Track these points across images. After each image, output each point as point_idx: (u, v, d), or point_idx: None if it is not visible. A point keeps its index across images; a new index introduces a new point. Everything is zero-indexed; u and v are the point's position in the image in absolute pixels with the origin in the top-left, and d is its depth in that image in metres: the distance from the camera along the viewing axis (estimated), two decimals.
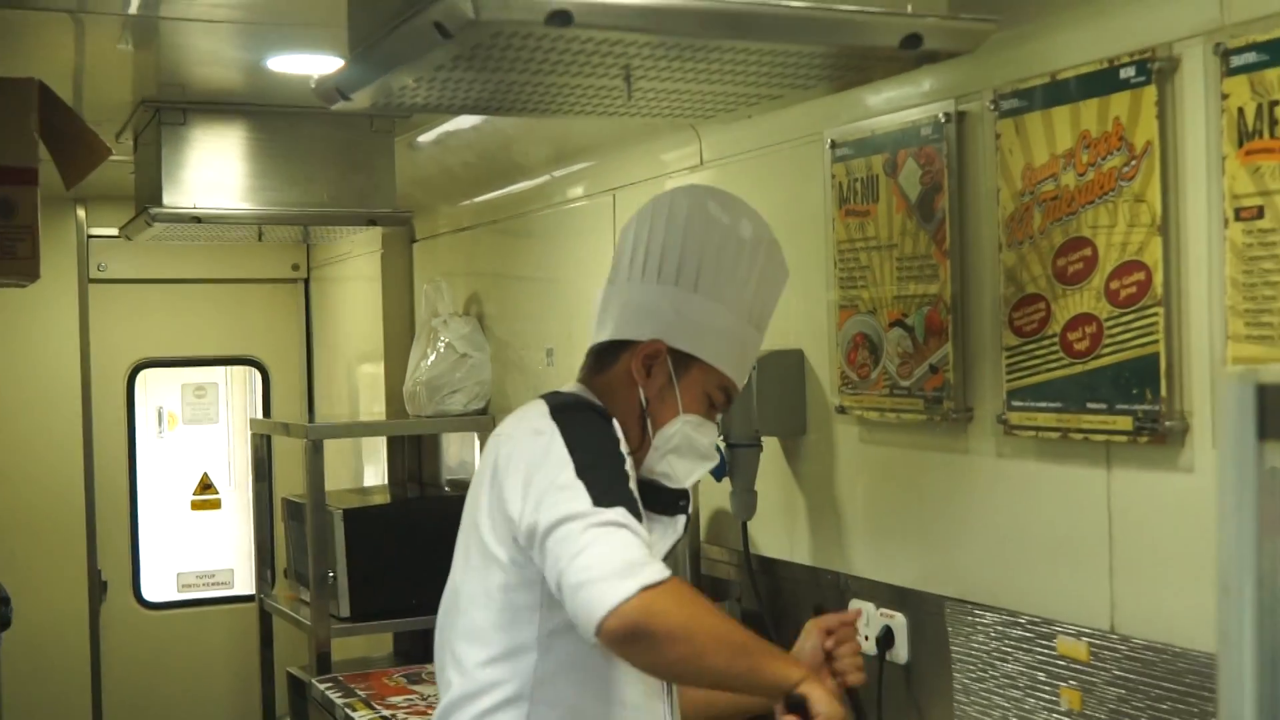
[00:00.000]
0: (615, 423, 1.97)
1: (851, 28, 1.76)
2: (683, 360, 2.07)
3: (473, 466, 4.75)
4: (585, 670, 1.93)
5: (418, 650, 4.87)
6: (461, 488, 4.82)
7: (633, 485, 1.85)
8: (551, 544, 1.76)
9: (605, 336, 2.13)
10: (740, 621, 1.87)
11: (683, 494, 2.15)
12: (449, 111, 2.47)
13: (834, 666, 2.13)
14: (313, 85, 2.13)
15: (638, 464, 2.08)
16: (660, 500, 2.11)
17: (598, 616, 1.69)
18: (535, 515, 1.81)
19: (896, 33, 1.77)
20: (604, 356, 2.13)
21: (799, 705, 1.83)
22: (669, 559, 2.01)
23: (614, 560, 1.71)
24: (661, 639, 1.70)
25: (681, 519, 2.14)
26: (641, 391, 2.07)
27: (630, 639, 1.70)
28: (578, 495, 1.78)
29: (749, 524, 3.10)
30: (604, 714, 1.96)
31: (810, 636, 2.15)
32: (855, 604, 2.74)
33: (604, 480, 1.81)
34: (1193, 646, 2.05)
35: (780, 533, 3.08)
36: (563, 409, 1.96)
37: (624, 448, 1.93)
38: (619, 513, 1.76)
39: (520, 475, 1.88)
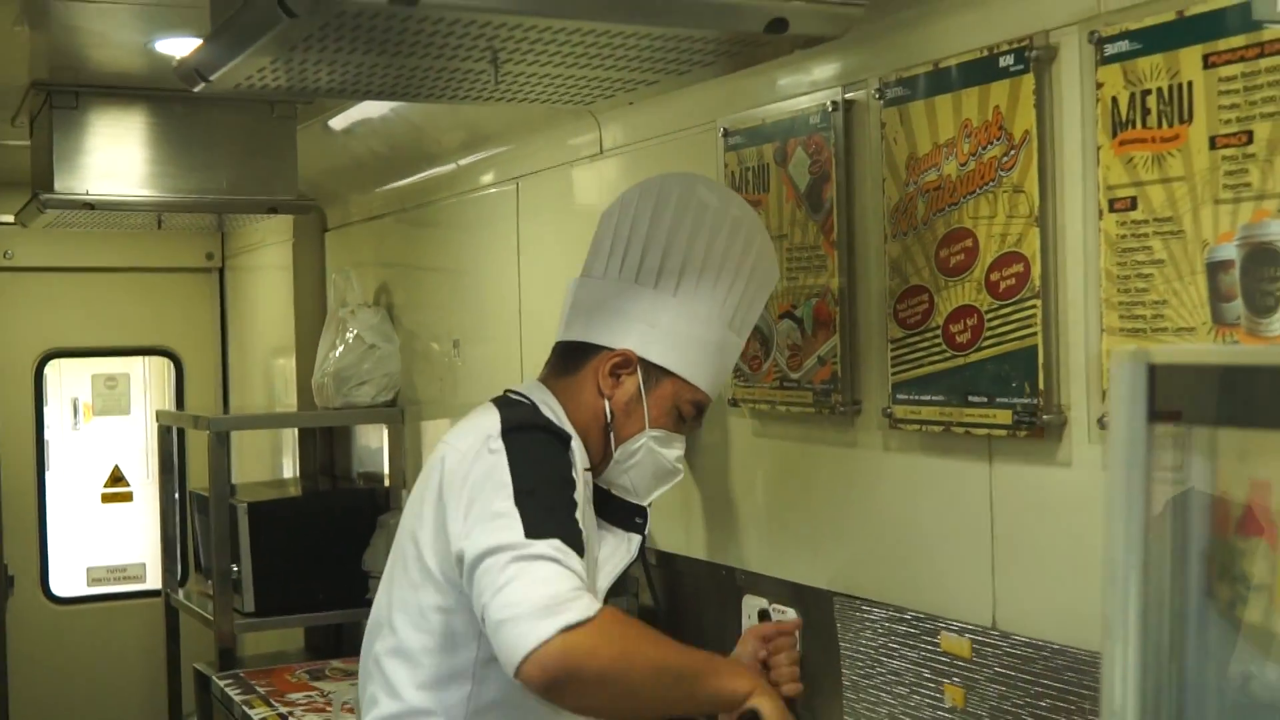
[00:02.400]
0: (573, 444, 1.84)
1: (714, 11, 1.71)
2: (654, 372, 1.97)
3: (383, 458, 4.68)
4: (523, 705, 1.81)
5: (329, 645, 4.81)
6: (373, 480, 4.79)
7: (579, 514, 1.74)
8: (478, 576, 1.67)
9: (574, 336, 2.01)
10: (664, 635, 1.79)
11: (640, 511, 2.06)
12: (307, 97, 2.41)
13: (770, 676, 2.07)
14: (174, 67, 2.06)
15: (597, 474, 1.99)
16: (617, 513, 2.03)
17: (517, 658, 1.60)
18: (464, 542, 1.72)
19: (762, 17, 1.73)
20: (570, 356, 2.01)
21: (751, 717, 1.79)
22: (623, 580, 1.89)
23: (535, 597, 1.60)
24: (588, 682, 1.60)
25: (636, 539, 2.04)
26: (607, 403, 1.96)
27: (552, 685, 1.60)
28: (510, 525, 1.68)
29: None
30: None
31: (747, 644, 2.10)
32: (779, 612, 2.69)
33: (541, 509, 1.70)
34: (1071, 644, 2.02)
35: (676, 527, 3.04)
36: (516, 429, 1.82)
37: (576, 471, 1.80)
38: (550, 545, 1.65)
39: (463, 497, 1.77)
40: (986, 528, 2.20)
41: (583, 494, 1.82)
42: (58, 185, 3.66)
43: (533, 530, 1.66)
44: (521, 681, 1.60)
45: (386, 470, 4.58)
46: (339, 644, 4.79)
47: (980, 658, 2.18)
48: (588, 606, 1.61)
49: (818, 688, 2.57)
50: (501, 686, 1.79)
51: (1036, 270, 2.04)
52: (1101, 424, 1.95)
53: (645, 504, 2.06)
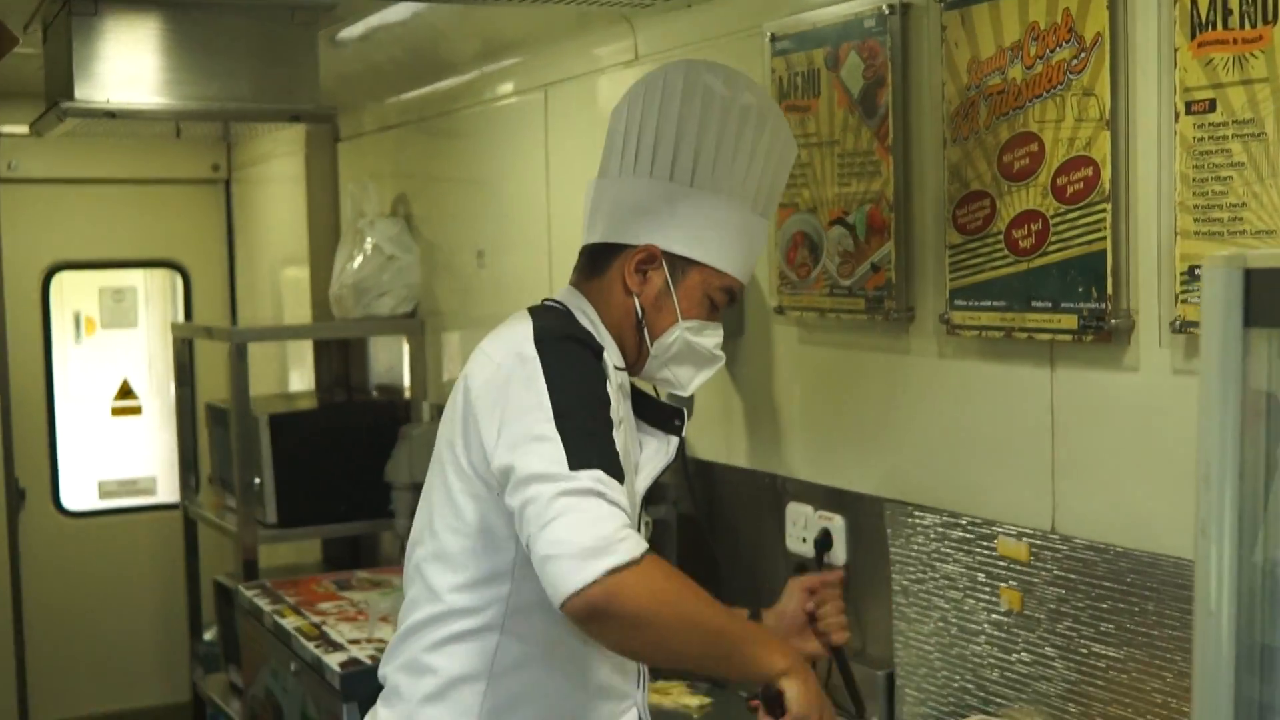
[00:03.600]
0: (605, 355, 1.84)
1: None
2: (680, 264, 1.94)
3: (401, 371, 4.67)
4: (552, 642, 1.85)
5: (346, 557, 4.83)
6: (390, 393, 4.78)
7: (616, 434, 1.74)
8: (524, 505, 1.67)
9: (596, 239, 1.99)
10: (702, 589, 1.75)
11: (678, 413, 2.05)
12: None
13: (817, 627, 2.06)
14: None
15: (636, 373, 1.99)
16: (657, 415, 2.02)
17: (562, 596, 1.62)
18: (509, 459, 1.72)
19: None
20: (596, 259, 1.99)
21: (774, 698, 1.76)
22: (662, 488, 1.87)
23: (583, 537, 1.62)
24: (626, 624, 1.63)
25: (674, 441, 2.03)
26: (636, 300, 1.94)
27: (593, 620, 1.63)
28: (553, 452, 1.68)
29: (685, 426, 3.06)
30: (578, 651, 1.87)
31: (792, 597, 2.06)
32: (825, 518, 2.70)
33: (582, 435, 1.69)
34: (1134, 546, 2.04)
35: (717, 437, 3.04)
36: (547, 338, 1.82)
37: (610, 386, 1.80)
38: (594, 477, 1.66)
39: (498, 408, 1.77)
40: (1047, 433, 2.21)
41: (618, 407, 1.81)
42: (78, 94, 3.59)
43: (576, 460, 1.67)
44: (566, 615, 1.64)
45: (407, 383, 4.56)
46: (356, 557, 4.81)
47: (1039, 561, 2.19)
48: (634, 547, 1.63)
49: (866, 592, 2.60)
50: (538, 588, 1.76)
51: (1106, 174, 2.03)
52: (1173, 327, 1.95)
53: (688, 394, 2.05)
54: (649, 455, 2.00)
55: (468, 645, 1.86)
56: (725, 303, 2.00)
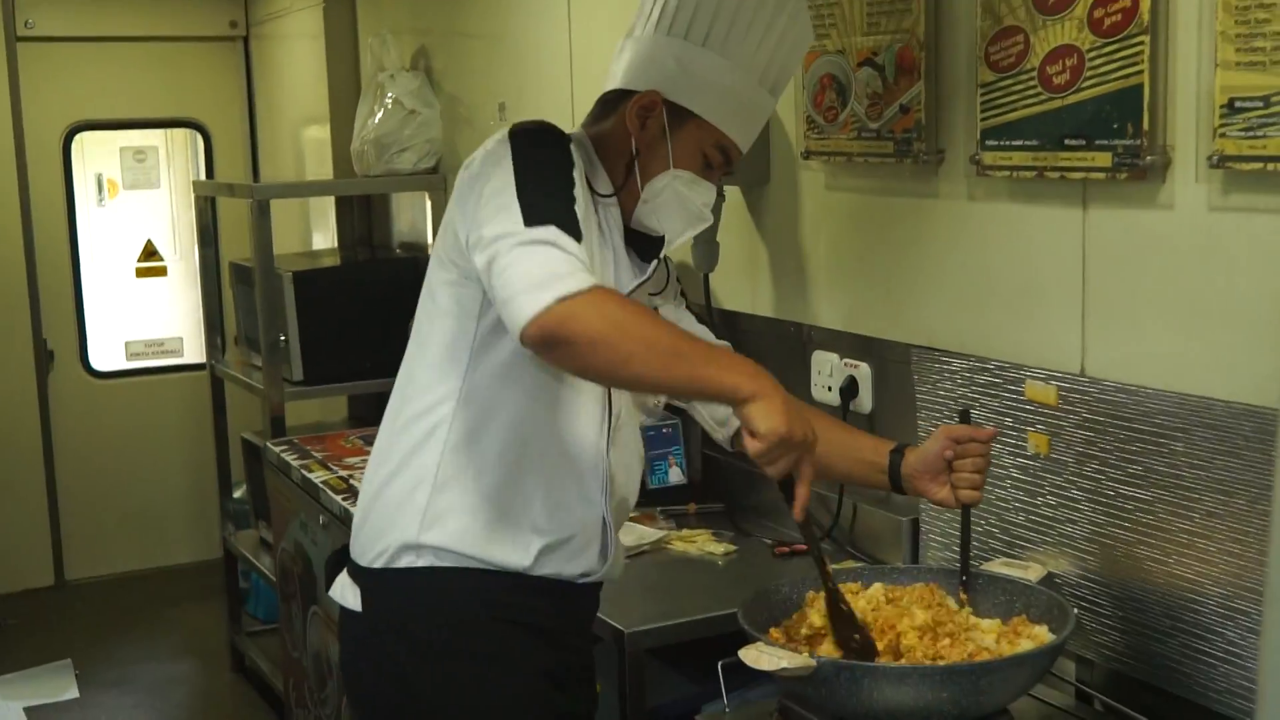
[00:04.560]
0: (573, 147, 1.91)
1: None
2: (680, 115, 1.99)
3: (424, 228, 4.65)
4: (515, 375, 1.93)
5: (373, 414, 4.83)
6: (413, 250, 4.76)
7: (578, 208, 1.81)
8: (486, 264, 1.77)
9: (611, 85, 2.06)
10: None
11: (659, 243, 2.07)
12: None
13: (952, 478, 2.07)
14: None
15: (628, 215, 2.04)
16: (643, 248, 2.07)
17: (519, 327, 1.71)
18: (476, 230, 1.82)
19: None
20: (606, 104, 2.07)
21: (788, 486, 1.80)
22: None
23: (534, 273, 1.71)
24: (581, 345, 1.70)
25: (651, 264, 2.07)
26: (634, 141, 2.00)
27: (550, 346, 1.71)
28: (511, 214, 1.77)
29: (710, 276, 3.04)
30: (534, 414, 1.95)
31: (937, 441, 2.07)
32: (828, 356, 2.68)
33: (541, 198, 1.79)
34: (1166, 387, 2.01)
35: (743, 285, 3.02)
36: (522, 131, 1.92)
37: (577, 172, 1.87)
38: (548, 230, 1.75)
39: (470, 191, 1.88)
40: (1078, 274, 2.17)
41: (587, 204, 1.88)
42: None
43: (532, 218, 1.76)
44: (526, 345, 1.72)
45: (429, 239, 4.54)
46: (381, 414, 4.82)
47: (1067, 404, 2.17)
48: (582, 280, 1.70)
49: (890, 436, 2.58)
50: (496, 360, 1.92)
51: (1145, 4, 1.96)
52: (1210, 163, 1.90)
53: (673, 246, 2.08)
54: (628, 280, 2.04)
55: (425, 420, 1.96)
56: (721, 164, 2.04)
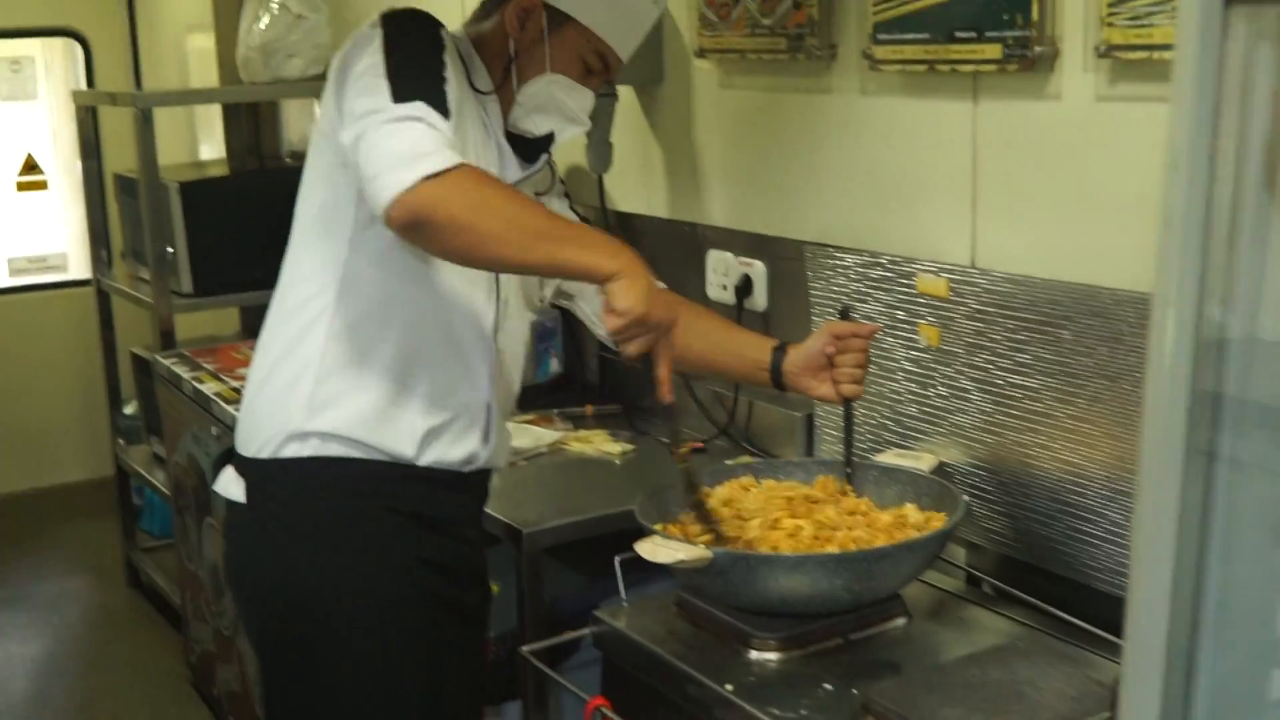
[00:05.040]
0: (447, 36, 1.89)
1: None
2: (559, 19, 1.98)
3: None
4: (395, 260, 1.90)
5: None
6: (303, 159, 4.65)
7: (449, 89, 1.79)
8: (353, 141, 1.74)
9: None
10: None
11: (544, 142, 2.06)
12: None
13: (834, 374, 2.09)
14: None
15: (505, 116, 2.02)
16: (525, 149, 2.05)
17: (381, 206, 1.68)
18: (343, 106, 1.80)
19: None
20: (489, 6, 2.05)
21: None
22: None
23: (400, 151, 1.69)
24: (443, 226, 1.68)
25: (537, 161, 2.06)
26: (512, 44, 1.99)
27: (413, 227, 1.69)
28: (379, 91, 1.75)
29: (605, 178, 3.02)
30: (418, 300, 1.93)
31: (819, 338, 2.10)
32: (723, 254, 2.68)
33: (409, 77, 1.77)
34: (1053, 277, 2.04)
35: (637, 186, 3.00)
36: (394, 15, 1.88)
37: (449, 55, 1.85)
38: (416, 107, 1.72)
39: (341, 75, 1.85)
40: (968, 168, 2.19)
41: (456, 80, 1.85)
42: None
43: (400, 94, 1.74)
44: (390, 226, 1.70)
45: None
46: None
47: (958, 296, 2.20)
48: (449, 158, 1.69)
49: (786, 336, 2.60)
50: (375, 247, 1.89)
51: None
52: (1098, 52, 1.92)
53: (540, 134, 2.05)
54: (513, 175, 2.02)
55: (305, 312, 1.94)
56: (600, 70, 2.03)
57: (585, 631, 2.13)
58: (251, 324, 4.82)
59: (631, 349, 1.78)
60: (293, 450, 1.94)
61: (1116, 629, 1.88)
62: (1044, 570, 2.10)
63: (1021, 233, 2.12)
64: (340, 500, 1.94)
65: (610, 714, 1.94)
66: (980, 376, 2.17)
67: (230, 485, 2.02)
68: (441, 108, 1.75)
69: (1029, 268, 2.09)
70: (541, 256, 1.75)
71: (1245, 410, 1.13)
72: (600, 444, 2.81)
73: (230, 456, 2.06)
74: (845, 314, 2.15)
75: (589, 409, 3.03)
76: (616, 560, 2.07)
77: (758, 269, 2.67)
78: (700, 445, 2.74)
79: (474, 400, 1.99)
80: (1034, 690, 1.73)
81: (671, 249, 2.89)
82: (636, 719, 1.95)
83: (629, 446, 2.80)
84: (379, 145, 1.71)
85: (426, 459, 1.96)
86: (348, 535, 1.94)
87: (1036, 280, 2.06)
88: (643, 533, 1.98)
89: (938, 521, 2.01)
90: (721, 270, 2.75)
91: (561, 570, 2.55)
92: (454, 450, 1.98)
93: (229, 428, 3.25)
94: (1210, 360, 1.11)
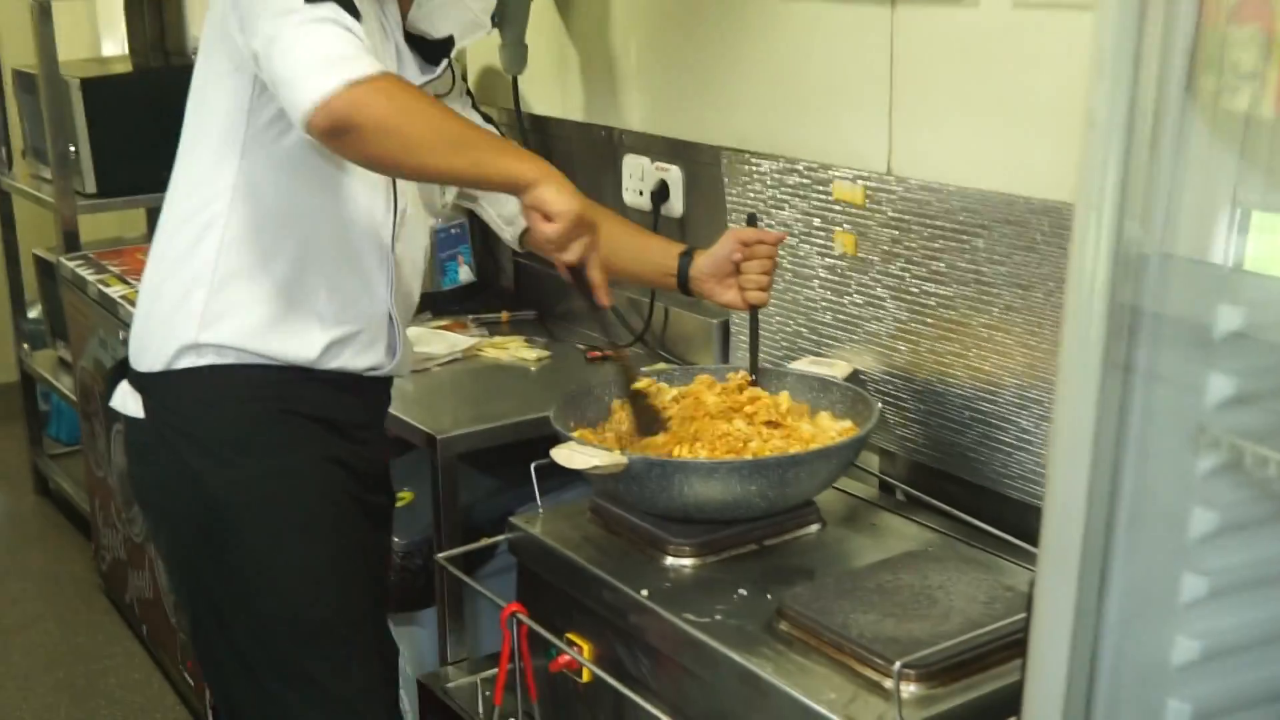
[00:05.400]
0: None
1: None
2: None
3: None
4: (294, 167, 1.85)
5: None
6: None
7: None
8: (264, 43, 1.67)
9: None
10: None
11: (444, 49, 2.00)
12: None
13: (740, 280, 2.06)
14: None
15: (404, 14, 1.95)
16: (425, 50, 1.98)
17: (303, 110, 1.63)
18: (249, 10, 1.71)
19: None
20: None
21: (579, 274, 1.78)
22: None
23: (319, 53, 1.64)
24: (367, 132, 1.64)
25: (440, 65, 2.00)
26: None
27: (335, 133, 1.65)
28: None
29: (519, 79, 2.97)
30: (315, 208, 1.88)
31: (725, 244, 2.06)
32: (639, 160, 2.66)
33: None
34: (968, 185, 2.04)
35: (552, 88, 2.96)
36: None
37: None
38: (328, 8, 1.66)
39: None
40: (885, 74, 2.18)
41: None
42: None
43: None
44: (309, 132, 1.65)
45: None
46: None
47: (874, 203, 2.20)
48: (371, 65, 1.65)
49: (702, 242, 2.58)
50: (275, 153, 1.83)
51: None
52: None
53: (452, 53, 2.01)
54: (414, 78, 1.96)
55: (198, 220, 1.87)
56: None
57: (501, 538, 2.13)
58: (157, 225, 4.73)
59: (570, 254, 1.76)
60: (188, 362, 1.88)
61: (1027, 535, 1.94)
62: (956, 477, 2.13)
63: (938, 140, 2.11)
64: (240, 407, 1.90)
65: (526, 619, 1.95)
66: (895, 284, 2.18)
67: (127, 400, 1.97)
68: (351, 8, 1.69)
69: (945, 175, 2.09)
70: (466, 165, 1.72)
71: (1162, 324, 1.14)
72: (516, 350, 2.79)
73: (124, 371, 2.01)
74: (752, 220, 2.14)
75: (504, 315, 3.01)
76: (533, 466, 2.06)
77: (674, 174, 2.65)
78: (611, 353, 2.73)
79: (375, 312, 1.95)
80: (946, 595, 1.76)
81: (587, 153, 2.86)
82: (552, 625, 1.96)
83: (544, 353, 2.78)
84: (296, 47, 1.65)
85: (328, 364, 1.92)
86: (251, 442, 1.91)
87: (952, 188, 2.06)
88: (559, 439, 1.97)
89: (852, 429, 2.03)
90: (638, 175, 2.73)
91: (477, 477, 2.55)
92: (358, 360, 1.95)
93: None
94: (1129, 273, 1.12)
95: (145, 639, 3.68)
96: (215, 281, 1.87)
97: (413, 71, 1.95)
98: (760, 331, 2.15)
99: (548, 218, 1.72)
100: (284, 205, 1.87)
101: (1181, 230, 1.12)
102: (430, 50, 1.98)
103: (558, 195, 1.71)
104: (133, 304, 3.26)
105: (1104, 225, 1.11)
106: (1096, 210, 1.11)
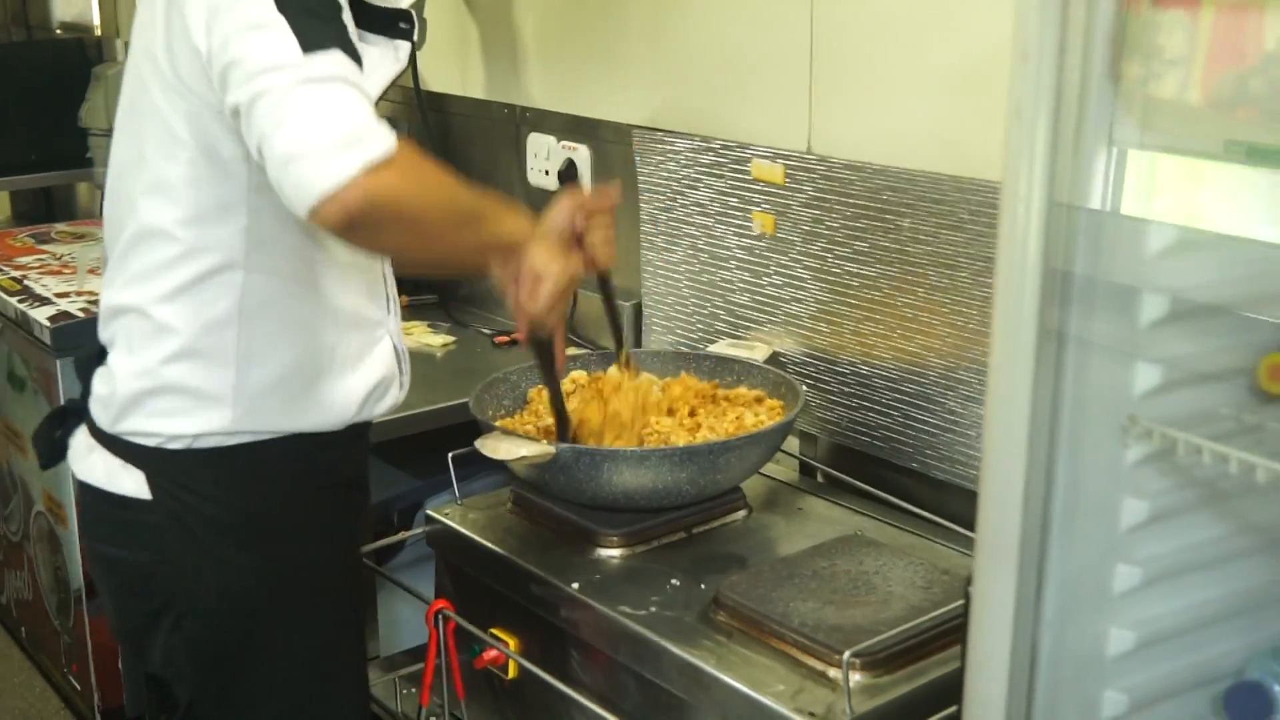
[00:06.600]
0: None
1: None
2: None
3: (89, 6, 4.26)
4: (303, 232, 1.63)
5: (40, 211, 4.49)
6: (76, 30, 4.36)
7: (344, 15, 1.51)
8: (250, 102, 1.42)
9: None
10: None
11: (404, 15, 1.85)
12: None
13: (584, 246, 1.84)
14: None
15: None
16: (377, 21, 1.78)
17: (311, 200, 1.39)
18: (228, 54, 1.45)
19: None
20: None
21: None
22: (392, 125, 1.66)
23: (331, 129, 1.39)
24: (386, 224, 1.42)
25: (405, 46, 1.82)
26: None
27: (350, 226, 1.41)
28: (281, 38, 1.42)
29: (416, 55, 2.87)
30: (328, 278, 1.68)
31: (562, 211, 1.79)
32: (569, 150, 2.59)
33: (309, 14, 1.45)
34: (892, 164, 2.02)
35: (451, 64, 2.87)
36: None
37: None
38: (334, 61, 1.43)
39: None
40: (805, 50, 2.14)
41: None
42: None
43: (309, 43, 1.42)
44: (317, 223, 1.42)
45: (97, 20, 4.17)
46: (50, 210, 4.48)
47: (794, 183, 2.16)
48: (386, 137, 1.42)
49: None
50: (277, 216, 1.59)
51: None
52: None
53: (405, 6, 1.86)
54: (373, 64, 1.77)
55: (208, 290, 1.63)
56: None
57: (419, 531, 2.06)
58: (24, 209, 4.54)
59: (553, 319, 1.61)
60: (215, 442, 1.66)
61: (955, 518, 1.92)
62: (881, 460, 2.11)
63: (860, 118, 2.08)
64: (273, 485, 1.70)
65: (454, 616, 1.88)
66: (816, 265, 2.15)
67: (115, 475, 1.70)
68: (355, 55, 1.47)
69: (868, 154, 2.06)
70: (470, 239, 1.54)
71: (1093, 288, 1.14)
72: (420, 336, 2.71)
73: (69, 427, 1.76)
74: (572, 176, 1.99)
75: (404, 299, 2.90)
76: (450, 456, 2.00)
77: (582, 154, 2.59)
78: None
79: (384, 349, 1.79)
80: (884, 581, 1.74)
81: (489, 132, 2.78)
82: (475, 619, 1.89)
83: (450, 339, 2.70)
84: (294, 119, 1.40)
85: (358, 418, 1.75)
86: (288, 523, 1.72)
87: (876, 166, 2.03)
88: (481, 429, 1.90)
89: (778, 413, 1.99)
90: (544, 155, 2.66)
91: (384, 467, 2.46)
92: (381, 405, 1.79)
93: (12, 321, 3.04)
94: (1059, 240, 1.12)
95: (24, 641, 3.52)
96: (242, 353, 1.65)
97: (390, 65, 1.78)
98: (617, 301, 2.03)
99: (540, 278, 1.55)
100: (296, 266, 1.65)
101: (1110, 196, 1.13)
102: (382, 22, 1.77)
103: (547, 255, 1.56)
104: (8, 292, 3.11)
105: (1031, 206, 1.11)
106: (1025, 197, 1.11)
